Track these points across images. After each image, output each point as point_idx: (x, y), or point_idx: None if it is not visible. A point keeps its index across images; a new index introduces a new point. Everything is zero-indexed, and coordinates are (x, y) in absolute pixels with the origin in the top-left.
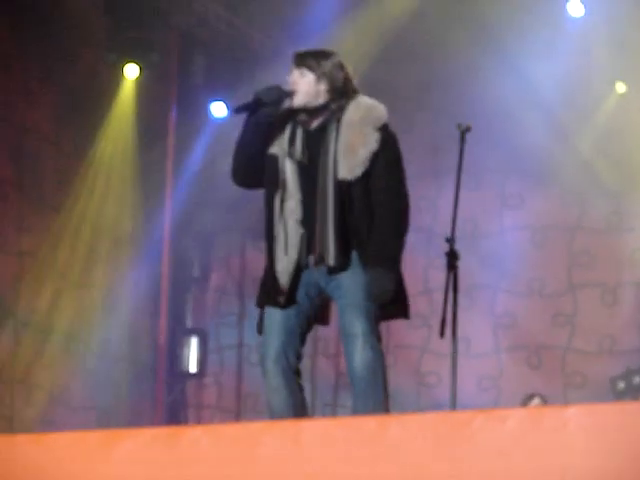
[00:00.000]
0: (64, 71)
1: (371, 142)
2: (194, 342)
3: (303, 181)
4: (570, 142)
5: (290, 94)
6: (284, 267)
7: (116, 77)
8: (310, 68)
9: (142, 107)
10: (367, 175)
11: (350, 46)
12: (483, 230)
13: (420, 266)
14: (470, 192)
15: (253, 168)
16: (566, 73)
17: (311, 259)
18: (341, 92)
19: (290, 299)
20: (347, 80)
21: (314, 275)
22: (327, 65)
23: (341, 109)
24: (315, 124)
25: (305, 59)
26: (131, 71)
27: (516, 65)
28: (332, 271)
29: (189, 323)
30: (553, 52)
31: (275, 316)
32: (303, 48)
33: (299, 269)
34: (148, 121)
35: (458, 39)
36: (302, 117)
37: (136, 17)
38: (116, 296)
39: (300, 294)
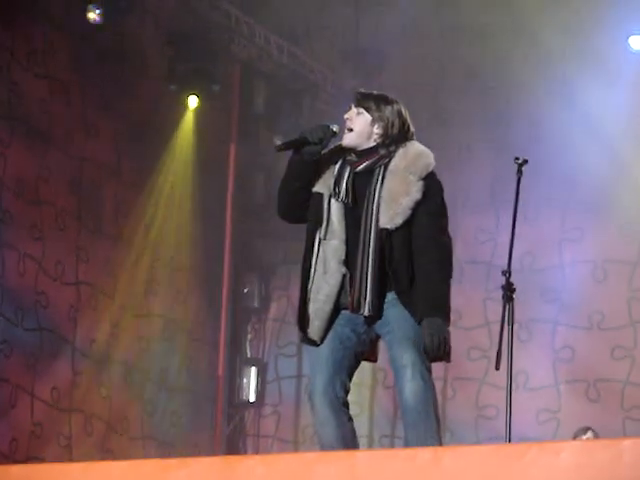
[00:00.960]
0: (125, 102)
1: (413, 192)
2: (253, 372)
3: (348, 222)
4: (630, 175)
5: (346, 129)
6: (320, 308)
7: (177, 108)
8: (368, 109)
9: (203, 138)
10: (408, 223)
11: (412, 77)
12: (542, 263)
13: (479, 298)
14: (529, 225)
15: (296, 204)
16: (626, 106)
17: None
18: (393, 138)
19: (325, 336)
20: (403, 127)
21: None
22: (386, 110)
23: (389, 155)
24: (362, 166)
25: (366, 99)
26: (192, 102)
27: (577, 98)
28: (366, 321)
29: (248, 353)
30: (614, 85)
31: (322, 350)
32: (363, 80)
33: (337, 308)
34: (209, 152)
35: (521, 71)
36: (351, 157)
37: (197, 48)
38: (175, 326)
39: (347, 330)
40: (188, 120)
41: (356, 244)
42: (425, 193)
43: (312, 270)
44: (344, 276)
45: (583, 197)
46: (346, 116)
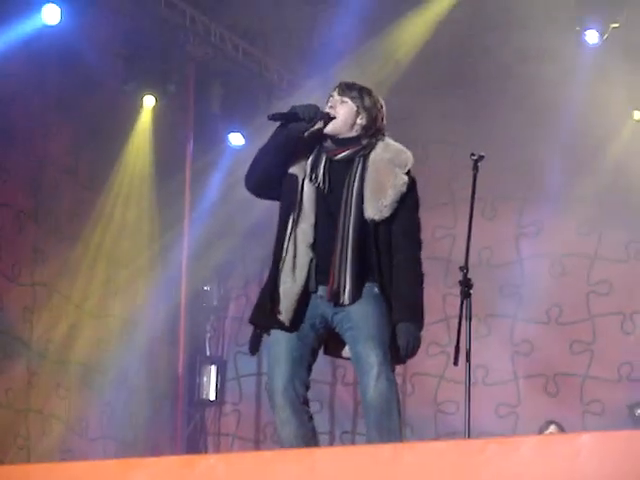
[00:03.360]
0: (82, 103)
1: (400, 184)
2: (213, 371)
3: (319, 206)
4: (587, 169)
5: (328, 117)
6: (289, 289)
7: (134, 108)
8: (353, 99)
9: (160, 138)
10: (392, 217)
11: (367, 76)
12: (500, 258)
13: (439, 294)
14: (487, 220)
15: (267, 180)
16: (582, 101)
17: (321, 290)
18: (375, 131)
19: (293, 324)
20: (382, 121)
21: (320, 307)
22: (370, 102)
23: (370, 146)
24: (341, 155)
25: (350, 89)
26: (148, 102)
27: (533, 93)
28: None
29: (208, 352)
30: (569, 81)
31: (280, 347)
32: (319, 79)
33: (305, 295)
34: (166, 151)
35: (475, 68)
36: (329, 145)
37: (153, 47)
38: (134, 326)
39: (305, 326)
40: (144, 120)
41: (327, 231)
42: (408, 188)
43: (284, 252)
44: (311, 260)
45: (540, 192)
46: (329, 104)
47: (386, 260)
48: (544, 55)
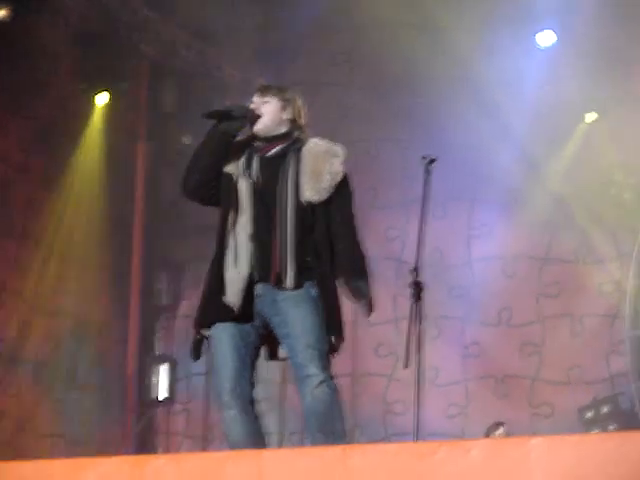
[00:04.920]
0: (34, 100)
1: (336, 172)
2: (163, 370)
3: (256, 199)
4: (538, 171)
5: (256, 117)
6: (234, 277)
7: (86, 106)
8: (274, 96)
9: (112, 136)
10: (328, 203)
11: (320, 75)
12: (450, 260)
13: (390, 294)
14: (437, 221)
15: (204, 183)
16: (535, 102)
17: (260, 287)
18: (301, 126)
19: (241, 312)
20: (305, 117)
21: (258, 305)
22: (290, 95)
23: (301, 141)
24: (273, 151)
25: (269, 89)
26: (101, 100)
27: (484, 94)
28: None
29: (158, 351)
30: (522, 81)
31: (224, 346)
32: (272, 78)
33: (249, 287)
34: (118, 150)
35: (427, 69)
36: (258, 144)
37: (106, 45)
38: (84, 324)
39: (246, 327)
40: (97, 118)
41: (264, 222)
42: (344, 179)
43: (225, 245)
44: (252, 251)
45: (490, 194)
46: (252, 106)
47: (324, 244)
48: (498, 55)
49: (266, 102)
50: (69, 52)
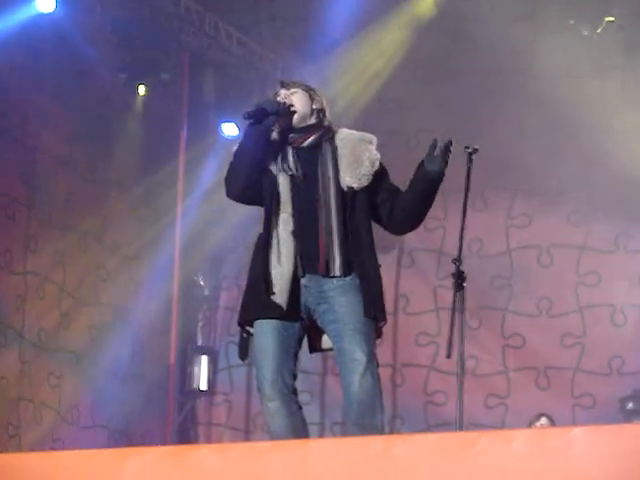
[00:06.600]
0: (76, 91)
1: (374, 158)
2: (204, 360)
3: (295, 194)
4: (578, 162)
5: (289, 108)
6: (279, 273)
7: (127, 97)
8: (299, 87)
9: (153, 127)
10: (367, 188)
11: (360, 66)
12: (490, 250)
13: (430, 286)
14: (477, 212)
15: (251, 183)
16: (575, 95)
17: (306, 279)
18: (328, 117)
19: (288, 309)
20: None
21: (303, 296)
22: (315, 91)
23: (332, 131)
24: (307, 142)
25: (293, 82)
26: (141, 91)
27: (524, 87)
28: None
29: (199, 342)
30: (562, 74)
31: (266, 338)
32: (314, 71)
33: (293, 283)
34: (159, 141)
35: (467, 61)
36: (293, 136)
37: (147, 36)
38: (126, 315)
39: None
40: (138, 109)
41: (306, 215)
42: (382, 165)
43: (269, 242)
44: (295, 247)
45: (530, 184)
46: (279, 99)
47: (365, 229)
48: (538, 49)
49: (294, 93)
50: (110, 42)
